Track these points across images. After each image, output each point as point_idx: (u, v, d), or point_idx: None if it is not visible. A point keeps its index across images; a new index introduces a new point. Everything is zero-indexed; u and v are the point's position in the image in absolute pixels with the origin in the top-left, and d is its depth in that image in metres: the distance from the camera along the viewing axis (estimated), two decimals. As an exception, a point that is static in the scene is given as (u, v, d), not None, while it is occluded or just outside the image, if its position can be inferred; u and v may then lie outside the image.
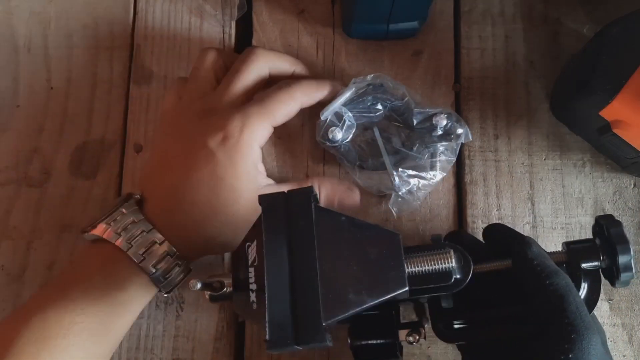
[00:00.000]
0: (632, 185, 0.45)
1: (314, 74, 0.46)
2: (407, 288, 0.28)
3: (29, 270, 0.43)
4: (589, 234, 0.43)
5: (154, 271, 0.36)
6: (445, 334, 0.34)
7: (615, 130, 0.39)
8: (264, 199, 0.29)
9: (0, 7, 0.48)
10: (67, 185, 0.45)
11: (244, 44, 0.49)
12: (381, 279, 0.28)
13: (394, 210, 0.43)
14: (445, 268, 0.31)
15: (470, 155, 0.45)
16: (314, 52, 0.47)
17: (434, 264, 0.31)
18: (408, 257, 0.31)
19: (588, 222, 0.44)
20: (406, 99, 0.42)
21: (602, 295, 0.42)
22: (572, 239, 0.43)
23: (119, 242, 0.35)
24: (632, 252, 0.32)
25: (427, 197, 0.44)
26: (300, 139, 0.46)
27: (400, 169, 0.41)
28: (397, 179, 0.41)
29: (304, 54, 0.47)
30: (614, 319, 0.42)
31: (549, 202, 0.44)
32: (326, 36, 0.48)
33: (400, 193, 0.42)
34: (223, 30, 0.48)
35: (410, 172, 0.41)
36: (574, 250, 0.34)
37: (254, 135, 0.38)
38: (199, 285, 0.30)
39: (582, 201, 0.44)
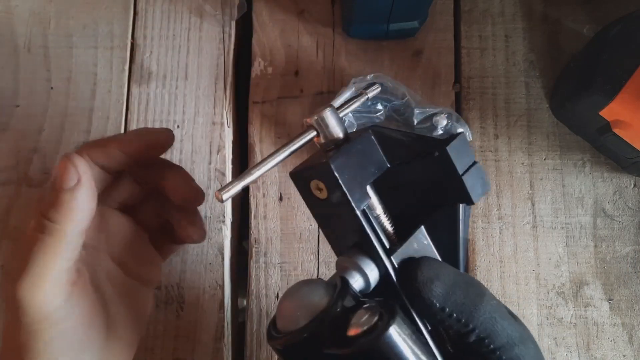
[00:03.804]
0: (632, 185, 0.45)
1: (314, 74, 0.46)
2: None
3: (29, 270, 0.43)
4: (589, 234, 0.44)
5: None
6: None
7: (615, 130, 0.39)
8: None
9: (0, 7, 0.48)
10: (67, 185, 0.45)
11: (244, 44, 0.49)
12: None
13: (394, 210, 0.43)
14: None
15: (470, 155, 0.45)
16: (314, 52, 0.47)
17: None
18: None
19: (588, 222, 0.44)
20: (406, 98, 0.42)
21: (602, 295, 0.42)
22: (572, 239, 0.44)
23: None
24: None
25: (427, 197, 0.44)
26: (300, 139, 0.46)
27: (400, 169, 0.41)
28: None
29: (304, 54, 0.47)
30: (614, 319, 0.42)
31: (549, 202, 0.44)
32: (326, 36, 0.48)
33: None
34: (223, 30, 0.48)
35: (410, 172, 0.41)
36: None
37: None
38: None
39: (582, 201, 0.44)
